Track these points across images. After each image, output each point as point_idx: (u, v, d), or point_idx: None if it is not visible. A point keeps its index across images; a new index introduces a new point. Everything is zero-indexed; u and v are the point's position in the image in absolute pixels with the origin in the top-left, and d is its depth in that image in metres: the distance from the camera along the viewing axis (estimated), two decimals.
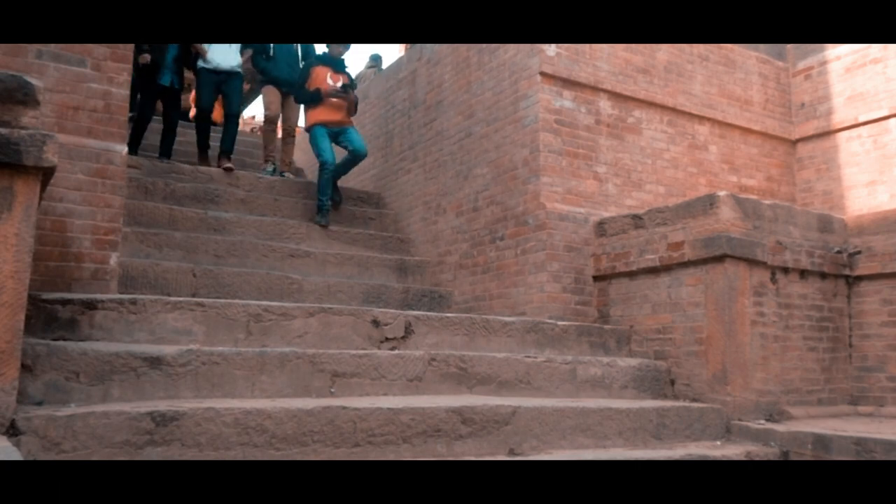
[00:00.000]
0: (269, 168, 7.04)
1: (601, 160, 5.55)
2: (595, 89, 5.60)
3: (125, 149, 3.79)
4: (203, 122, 6.88)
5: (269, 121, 7.26)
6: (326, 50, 6.79)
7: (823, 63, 6.67)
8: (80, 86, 3.67)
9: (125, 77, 3.81)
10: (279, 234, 5.82)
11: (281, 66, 7.11)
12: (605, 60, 5.66)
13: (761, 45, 6.79)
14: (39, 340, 2.88)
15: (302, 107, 7.03)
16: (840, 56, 6.54)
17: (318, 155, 6.39)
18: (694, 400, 4.33)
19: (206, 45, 6.63)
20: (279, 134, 7.62)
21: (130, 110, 6.73)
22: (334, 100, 6.52)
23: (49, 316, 3.08)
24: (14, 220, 2.46)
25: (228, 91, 6.80)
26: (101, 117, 3.72)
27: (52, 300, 3.12)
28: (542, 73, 5.32)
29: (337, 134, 6.54)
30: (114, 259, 3.70)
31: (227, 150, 6.70)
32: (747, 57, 6.63)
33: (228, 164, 6.46)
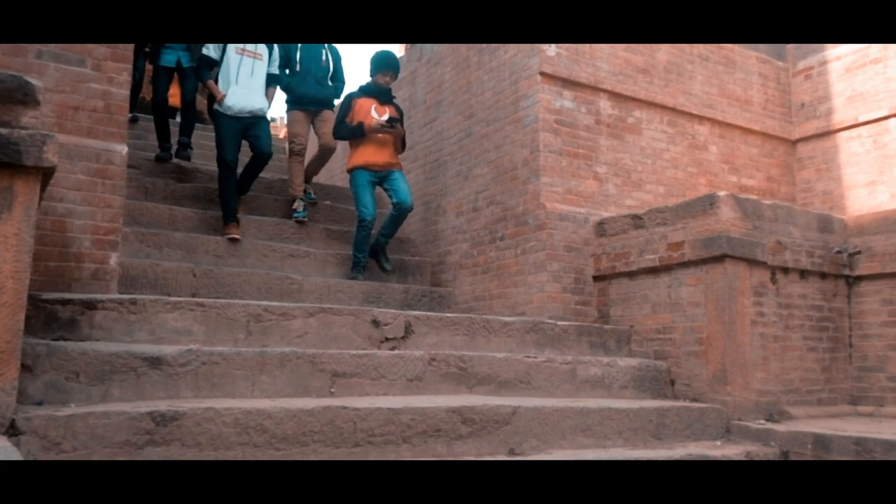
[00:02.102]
0: (301, 209, 5.96)
1: (601, 160, 5.55)
2: (595, 89, 5.60)
3: (125, 149, 3.79)
4: (227, 180, 5.47)
5: (296, 153, 6.16)
6: (370, 80, 5.88)
7: (823, 63, 6.67)
8: (80, 86, 3.67)
9: (125, 77, 3.81)
10: (279, 234, 5.82)
11: (308, 82, 6.13)
12: (605, 60, 5.66)
13: (761, 45, 6.80)
14: (39, 340, 2.88)
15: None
16: (840, 56, 6.54)
17: (358, 209, 5.56)
18: (694, 400, 4.33)
19: (218, 86, 5.52)
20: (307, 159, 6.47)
21: (131, 110, 6.67)
22: (380, 136, 5.64)
23: (49, 316, 3.08)
24: (14, 220, 2.46)
25: (256, 134, 5.59)
26: (101, 117, 3.72)
27: (52, 300, 3.12)
28: (542, 73, 5.32)
29: (382, 178, 5.68)
30: (114, 259, 3.69)
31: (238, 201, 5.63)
32: (747, 57, 6.63)
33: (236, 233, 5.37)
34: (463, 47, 6.26)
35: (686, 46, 6.21)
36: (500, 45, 5.76)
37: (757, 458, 3.74)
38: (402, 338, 3.93)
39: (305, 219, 5.92)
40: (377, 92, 5.80)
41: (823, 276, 4.82)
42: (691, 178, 6.09)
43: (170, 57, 6.19)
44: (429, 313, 4.24)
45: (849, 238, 4.95)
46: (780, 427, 4.00)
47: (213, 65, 5.56)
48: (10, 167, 2.45)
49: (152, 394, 2.92)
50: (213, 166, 6.17)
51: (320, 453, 2.86)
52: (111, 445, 2.52)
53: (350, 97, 5.83)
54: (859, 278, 4.88)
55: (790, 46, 6.95)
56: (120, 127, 3.78)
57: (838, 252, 4.88)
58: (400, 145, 5.81)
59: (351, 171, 5.70)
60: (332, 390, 3.34)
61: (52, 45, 3.58)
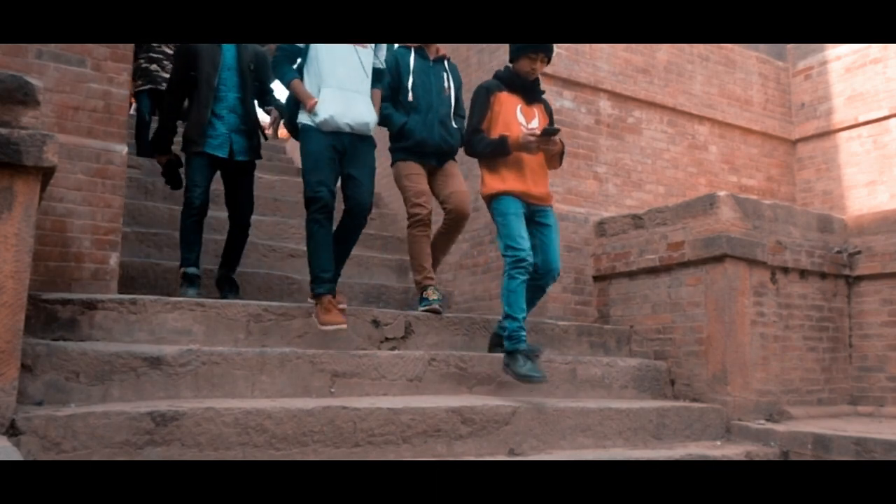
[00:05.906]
0: (435, 297, 4.15)
1: (601, 160, 5.55)
2: (595, 89, 5.60)
3: (125, 149, 3.79)
4: (323, 224, 3.62)
5: (420, 223, 4.29)
6: (509, 65, 3.98)
7: (823, 63, 6.67)
8: (80, 86, 3.67)
9: (125, 77, 3.81)
10: (279, 234, 5.81)
11: (431, 124, 4.30)
12: (605, 60, 5.66)
13: (761, 45, 6.80)
14: (39, 340, 2.88)
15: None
16: (840, 56, 6.54)
17: (512, 247, 3.65)
18: (694, 400, 4.33)
19: (305, 89, 3.66)
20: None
21: (138, 151, 5.79)
22: (533, 153, 3.77)
23: (49, 316, 3.08)
24: (14, 220, 2.46)
25: (353, 173, 3.73)
26: (101, 117, 3.72)
27: (52, 300, 3.12)
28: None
29: (531, 214, 3.84)
30: (114, 259, 3.69)
31: (336, 276, 3.76)
32: (747, 57, 6.63)
33: (342, 304, 3.70)
34: (463, 47, 6.25)
35: (686, 46, 6.21)
36: (500, 45, 5.75)
37: (757, 458, 3.74)
38: (402, 338, 3.93)
39: (434, 309, 4.10)
40: (523, 85, 3.94)
41: (823, 276, 4.82)
42: (691, 178, 6.09)
43: (219, 141, 4.18)
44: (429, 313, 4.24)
45: (849, 238, 4.95)
46: (780, 427, 4.00)
47: (296, 56, 3.74)
48: (10, 167, 2.45)
49: (152, 394, 2.92)
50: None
51: (320, 453, 2.86)
52: (111, 445, 2.51)
53: (487, 90, 3.92)
54: (859, 278, 4.88)
55: (790, 46, 6.95)
56: (120, 127, 3.78)
57: (838, 252, 4.88)
58: (558, 162, 4.02)
59: (494, 196, 3.83)
60: (332, 390, 3.34)
61: (52, 45, 3.58)
